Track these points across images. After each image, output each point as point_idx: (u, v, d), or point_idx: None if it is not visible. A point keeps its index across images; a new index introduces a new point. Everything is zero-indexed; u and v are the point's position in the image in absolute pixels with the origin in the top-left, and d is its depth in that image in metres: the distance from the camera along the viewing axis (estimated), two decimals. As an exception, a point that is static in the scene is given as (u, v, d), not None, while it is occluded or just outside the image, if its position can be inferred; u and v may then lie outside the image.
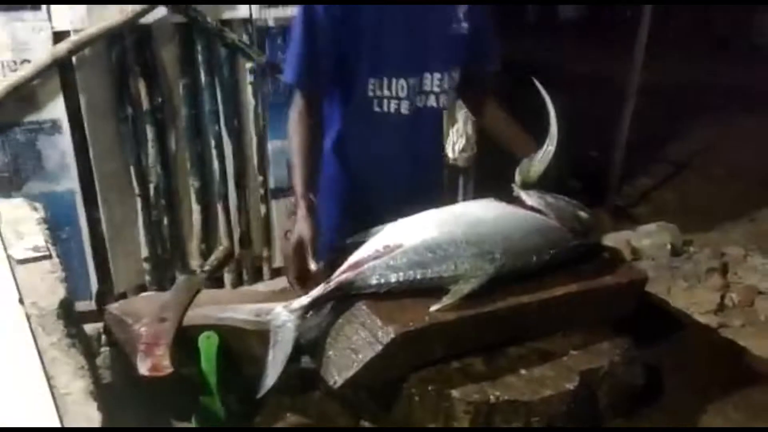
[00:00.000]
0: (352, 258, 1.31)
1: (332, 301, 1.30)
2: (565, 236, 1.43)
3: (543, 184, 1.52)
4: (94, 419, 0.93)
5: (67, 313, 1.20)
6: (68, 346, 1.09)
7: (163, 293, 1.54)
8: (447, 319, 1.24)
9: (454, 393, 1.20)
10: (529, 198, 1.49)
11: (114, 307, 1.39)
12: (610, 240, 3.65)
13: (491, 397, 1.19)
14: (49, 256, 1.35)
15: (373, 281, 1.27)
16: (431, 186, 1.78)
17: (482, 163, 3.09)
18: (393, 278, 1.28)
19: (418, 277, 1.28)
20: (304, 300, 1.24)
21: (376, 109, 1.58)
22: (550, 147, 1.50)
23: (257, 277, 2.91)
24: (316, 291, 1.26)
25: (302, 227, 1.36)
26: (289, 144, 1.55)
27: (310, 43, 1.49)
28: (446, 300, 1.25)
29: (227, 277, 2.80)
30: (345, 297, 1.28)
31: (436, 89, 1.60)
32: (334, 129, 1.64)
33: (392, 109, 1.59)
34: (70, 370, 1.02)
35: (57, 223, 2.45)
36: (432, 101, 1.61)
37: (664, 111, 5.91)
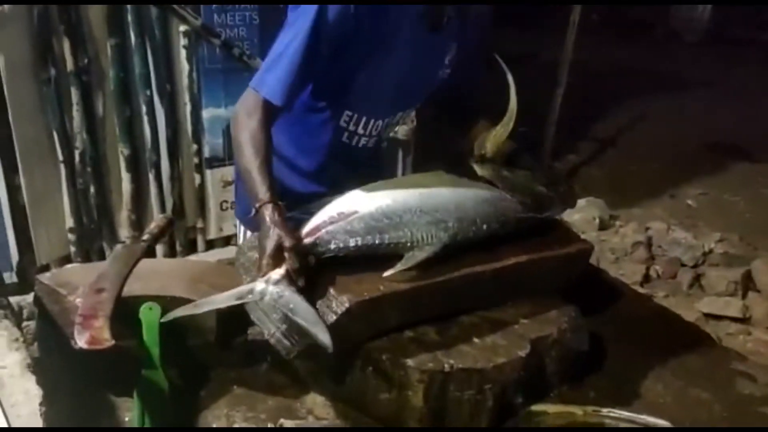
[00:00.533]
0: (309, 225, 1.27)
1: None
2: (515, 208, 1.44)
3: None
4: (34, 394, 0.86)
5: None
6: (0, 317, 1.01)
7: (99, 263, 1.45)
8: (401, 289, 1.23)
9: (409, 362, 1.18)
10: (481, 169, 1.49)
11: (46, 277, 1.29)
12: (541, 214, 3.77)
13: (445, 365, 1.18)
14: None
15: (332, 245, 1.25)
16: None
17: (421, 137, 3.09)
18: (351, 243, 1.25)
19: (376, 242, 1.26)
20: (280, 270, 1.18)
21: (345, 140, 1.59)
22: (508, 123, 1.50)
23: (191, 249, 2.82)
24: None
25: (280, 234, 1.21)
26: (242, 153, 1.36)
27: (305, 69, 1.39)
28: (400, 266, 1.24)
29: (159, 249, 2.69)
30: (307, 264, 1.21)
31: (400, 122, 1.65)
32: (291, 137, 1.60)
33: (360, 144, 1.61)
34: (3, 343, 0.95)
35: (-27, 191, 2.30)
36: (393, 133, 1.63)
37: (589, 91, 6.08)
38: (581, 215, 3.71)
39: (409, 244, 1.28)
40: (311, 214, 1.31)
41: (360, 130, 1.58)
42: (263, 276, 1.19)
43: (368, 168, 1.64)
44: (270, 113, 1.41)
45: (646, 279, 3.11)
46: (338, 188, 1.43)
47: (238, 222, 1.86)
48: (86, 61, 2.39)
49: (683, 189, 4.69)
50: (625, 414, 1.28)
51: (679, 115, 6.08)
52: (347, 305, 1.17)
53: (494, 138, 1.51)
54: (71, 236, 2.51)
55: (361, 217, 1.27)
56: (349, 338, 1.21)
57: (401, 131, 2.98)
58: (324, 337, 1.13)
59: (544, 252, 1.42)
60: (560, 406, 1.30)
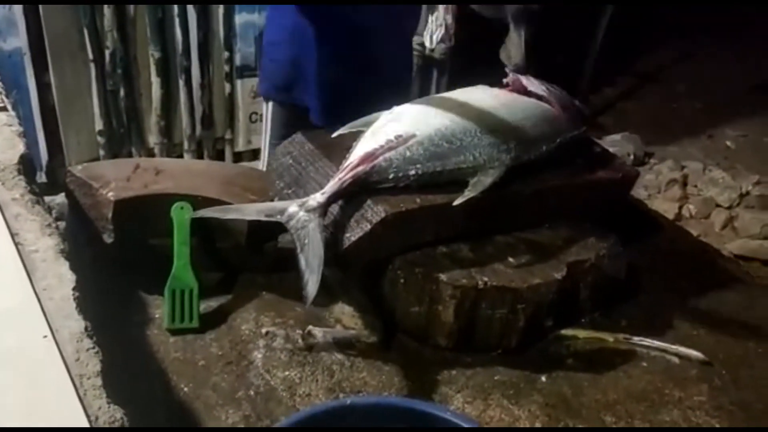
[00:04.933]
0: (361, 149, 1.19)
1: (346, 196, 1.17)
2: (568, 125, 1.38)
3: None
4: (67, 279, 0.85)
5: (27, 168, 1.09)
6: (32, 203, 0.99)
7: (131, 159, 1.43)
8: (437, 203, 1.19)
9: (442, 276, 1.16)
10: (530, 83, 1.42)
11: (78, 170, 1.27)
12: (575, 147, 3.68)
13: (479, 282, 1.16)
14: (4, 108, 1.22)
15: (391, 174, 1.17)
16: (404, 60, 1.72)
17: (457, 57, 2.98)
18: (411, 171, 1.18)
19: (438, 169, 1.20)
20: (320, 197, 1.12)
21: None
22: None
23: (219, 159, 2.79)
24: (331, 186, 1.14)
25: None
26: None
27: None
28: (468, 192, 1.18)
29: (187, 157, 2.67)
30: (361, 191, 1.17)
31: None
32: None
33: None
34: (36, 227, 0.93)
35: (4, 86, 2.26)
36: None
37: (636, 23, 5.83)
38: (615, 149, 3.58)
39: (471, 170, 1.22)
40: (357, 133, 1.25)
41: None
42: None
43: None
44: None
45: (678, 217, 3.04)
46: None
47: (264, 102, 1.77)
48: (118, -44, 2.31)
49: (723, 130, 4.53)
50: (656, 343, 1.26)
51: (729, 55, 5.83)
52: (383, 215, 1.14)
53: (513, 41, 1.43)
54: (100, 139, 2.49)
55: (421, 142, 1.20)
56: (382, 249, 1.19)
57: (437, 50, 2.89)
58: (311, 289, 1.06)
59: (587, 175, 1.37)
60: (591, 332, 1.28)
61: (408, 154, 1.20)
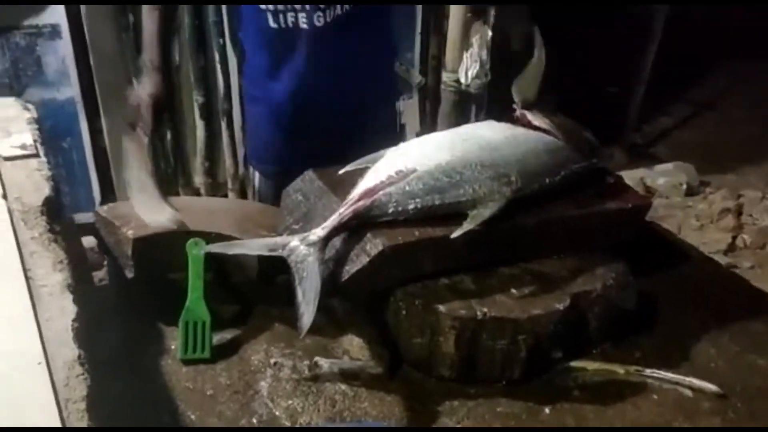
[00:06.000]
0: (363, 185, 1.24)
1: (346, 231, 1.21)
2: (574, 156, 1.39)
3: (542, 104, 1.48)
4: (69, 311, 0.92)
5: (51, 210, 1.18)
6: (49, 240, 1.08)
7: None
8: (436, 235, 1.21)
9: (441, 308, 1.17)
10: (535, 118, 1.44)
11: (104, 210, 1.36)
12: (625, 177, 3.60)
13: (478, 313, 1.16)
14: (37, 155, 1.33)
15: (390, 209, 1.21)
16: (378, 101, 1.75)
17: (494, 91, 3.01)
18: (411, 205, 1.21)
19: (437, 202, 1.22)
20: (320, 231, 1.17)
21: (273, 25, 1.53)
22: (539, 56, 1.45)
23: (260, 197, 2.89)
24: (332, 221, 1.18)
25: (152, 89, 1.46)
26: (143, 17, 1.55)
27: None
28: (466, 225, 1.19)
29: (231, 196, 2.78)
30: (361, 225, 1.21)
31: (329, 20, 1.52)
32: (247, 51, 1.65)
33: (299, 23, 1.52)
34: (48, 264, 1.01)
35: (58, 133, 2.44)
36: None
37: (689, 50, 5.71)
38: (667, 179, 3.54)
39: (471, 202, 1.24)
40: (364, 169, 1.29)
41: (280, 6, 1.50)
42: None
43: (332, 57, 1.58)
44: None
45: (732, 248, 2.93)
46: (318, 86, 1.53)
47: (251, 168, 1.89)
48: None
49: (784, 156, 4.37)
50: (669, 375, 1.23)
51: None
52: (381, 248, 1.17)
53: (530, 74, 1.46)
54: (149, 180, 2.63)
55: (420, 176, 1.23)
56: (382, 281, 1.21)
57: (473, 85, 2.92)
58: (306, 321, 1.09)
59: (595, 206, 1.36)
60: (600, 363, 1.26)
61: (407, 188, 1.23)
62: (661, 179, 3.51)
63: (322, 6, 1.51)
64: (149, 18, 1.54)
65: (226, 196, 2.76)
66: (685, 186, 3.49)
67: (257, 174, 1.82)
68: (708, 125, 4.90)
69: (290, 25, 1.53)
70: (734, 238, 3.01)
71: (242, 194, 2.83)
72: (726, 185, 3.60)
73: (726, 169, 4.00)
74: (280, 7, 1.51)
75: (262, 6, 1.51)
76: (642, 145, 4.36)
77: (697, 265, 1.62)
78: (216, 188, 2.76)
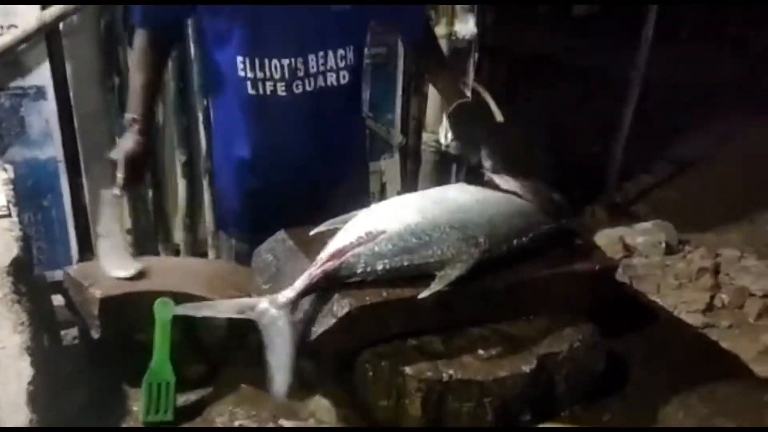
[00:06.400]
0: (332, 245, 1.25)
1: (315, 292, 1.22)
2: (542, 218, 1.41)
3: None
4: (24, 374, 0.91)
5: (18, 271, 1.18)
6: (12, 302, 1.07)
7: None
8: (405, 296, 1.22)
9: (407, 370, 1.17)
10: (504, 181, 1.47)
11: (72, 270, 1.37)
12: (604, 236, 3.65)
13: (444, 375, 1.16)
14: (9, 215, 1.33)
15: (359, 269, 1.22)
16: (347, 166, 1.77)
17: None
18: (379, 265, 1.22)
19: (405, 263, 1.23)
20: (290, 293, 1.18)
21: (251, 91, 1.55)
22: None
23: (242, 255, 2.89)
24: (301, 282, 1.19)
25: (133, 147, 1.53)
26: (130, 78, 1.66)
27: None
28: (434, 286, 1.21)
29: (210, 253, 2.78)
30: (330, 286, 1.22)
31: (321, 69, 1.55)
32: (219, 115, 1.70)
33: (277, 91, 1.55)
34: (9, 325, 1.01)
35: (39, 191, 2.45)
36: (320, 82, 1.57)
37: (671, 109, 5.85)
38: (646, 238, 3.56)
39: (439, 264, 1.25)
40: (335, 230, 1.31)
41: (259, 74, 1.52)
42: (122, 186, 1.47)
43: (305, 127, 1.62)
44: (143, 39, 1.59)
45: (710, 307, 2.94)
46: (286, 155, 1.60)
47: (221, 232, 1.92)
48: (149, 71, 2.51)
49: (765, 214, 4.42)
50: (638, 439, 1.22)
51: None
52: (348, 309, 1.17)
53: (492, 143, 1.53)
54: (129, 237, 2.63)
55: (389, 238, 1.25)
56: (350, 341, 1.21)
57: (452, 147, 2.98)
58: (280, 386, 1.10)
59: (563, 267, 1.38)
60: (569, 425, 1.25)
61: (376, 249, 1.24)
62: (640, 238, 3.54)
63: (302, 76, 1.55)
64: (136, 76, 1.60)
65: (206, 253, 2.76)
66: (664, 245, 3.51)
67: (231, 238, 1.81)
68: (689, 183, 4.96)
69: (268, 92, 1.56)
70: (712, 297, 3.02)
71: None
72: (705, 244, 3.63)
73: (706, 227, 4.04)
74: (260, 74, 1.53)
75: (241, 74, 1.54)
76: (622, 204, 4.41)
77: (669, 327, 1.63)
78: (196, 245, 2.76)
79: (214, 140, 1.79)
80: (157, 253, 2.69)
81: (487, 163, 1.50)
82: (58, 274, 1.47)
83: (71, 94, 2.39)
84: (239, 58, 1.51)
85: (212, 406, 1.27)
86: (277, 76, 1.53)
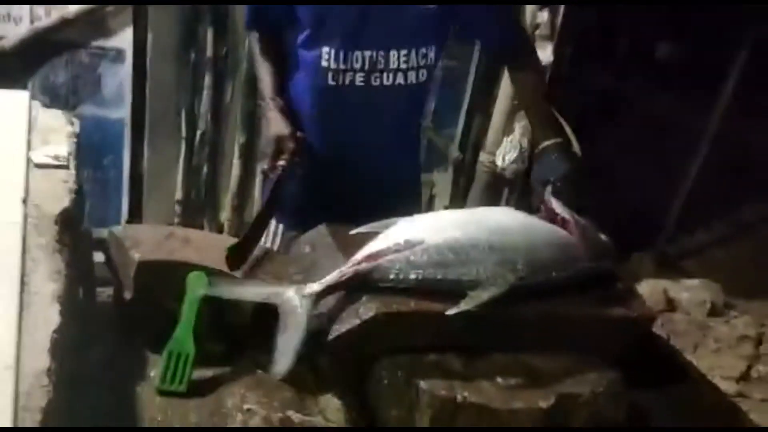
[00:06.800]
0: (369, 248, 1.25)
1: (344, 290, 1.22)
2: (585, 255, 1.38)
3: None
4: (52, 322, 0.94)
5: (65, 221, 1.21)
6: (54, 250, 1.10)
7: (173, 227, 1.54)
8: (433, 310, 1.21)
9: (423, 384, 1.16)
10: (559, 207, 1.44)
11: (118, 230, 1.40)
12: (649, 286, 3.55)
13: (458, 396, 1.15)
14: (67, 167, 1.38)
15: (392, 275, 1.21)
16: (403, 168, 1.82)
17: (529, 179, 3.02)
18: (413, 275, 1.21)
19: (439, 277, 1.22)
20: (317, 286, 1.19)
21: (331, 82, 1.60)
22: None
23: (284, 244, 2.92)
24: (331, 278, 1.20)
25: (279, 124, 1.54)
26: (257, 72, 1.73)
27: None
28: (464, 304, 1.19)
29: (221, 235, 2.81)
30: (359, 288, 1.22)
31: (403, 66, 1.60)
32: (293, 102, 1.69)
33: (356, 82, 1.60)
34: (46, 272, 1.04)
35: (102, 150, 2.53)
36: (399, 79, 1.61)
37: (742, 168, 5.68)
38: (691, 295, 3.45)
39: (473, 283, 1.24)
40: (375, 234, 1.30)
41: (342, 65, 1.58)
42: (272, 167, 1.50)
43: (374, 120, 1.66)
44: (256, 38, 1.72)
45: (745, 377, 2.83)
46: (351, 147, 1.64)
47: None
48: (225, 50, 2.57)
49: (819, 291, 4.24)
50: (646, 499, 1.18)
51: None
52: (374, 313, 1.17)
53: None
54: (178, 208, 2.69)
55: (426, 249, 1.24)
56: (370, 346, 1.21)
57: (509, 169, 2.95)
58: (277, 370, 1.13)
59: (599, 309, 1.34)
60: (577, 472, 1.22)
61: (412, 258, 1.24)
62: (685, 293, 3.43)
63: (382, 69, 1.60)
64: (261, 66, 1.71)
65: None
66: (709, 305, 3.40)
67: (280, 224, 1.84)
68: (745, 247, 4.79)
69: (347, 82, 1.61)
70: (749, 367, 2.90)
71: (265, 237, 2.87)
72: (752, 312, 3.50)
73: (754, 295, 3.89)
74: (343, 66, 1.59)
75: (324, 64, 1.59)
76: (672, 257, 4.29)
77: (700, 389, 1.58)
78: (241, 227, 2.80)
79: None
80: (202, 228, 2.74)
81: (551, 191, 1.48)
82: (104, 234, 1.51)
83: (148, 62, 2.45)
84: (325, 49, 1.58)
85: (225, 386, 1.28)
86: (357, 66, 1.59)
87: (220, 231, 2.79)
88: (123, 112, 2.50)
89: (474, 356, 1.25)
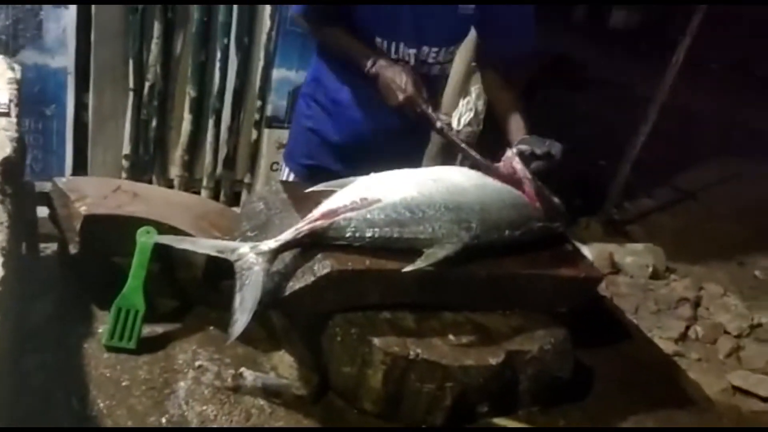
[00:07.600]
0: (325, 205, 1.24)
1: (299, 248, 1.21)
2: (538, 216, 1.40)
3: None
4: (-5, 275, 0.90)
5: (6, 171, 1.16)
6: (-4, 201, 1.06)
7: (118, 180, 1.50)
8: (387, 267, 1.21)
9: (376, 341, 1.17)
10: (520, 167, 1.45)
11: (61, 182, 1.35)
12: (595, 250, 3.65)
13: (411, 352, 1.16)
14: (8, 114, 1.31)
15: (348, 233, 1.21)
16: (414, 143, 1.92)
17: (483, 143, 3.04)
18: (368, 233, 1.21)
19: (395, 235, 1.22)
20: (273, 243, 1.17)
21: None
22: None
23: (235, 201, 2.88)
24: (286, 235, 1.18)
25: (401, 69, 1.58)
26: (335, 48, 1.75)
27: None
28: (419, 262, 1.20)
29: (204, 194, 2.76)
30: (314, 245, 1.20)
31: (431, 61, 1.71)
32: (338, 66, 1.76)
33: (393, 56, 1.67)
34: (-10, 225, 0.99)
35: (44, 99, 2.42)
36: (423, 69, 1.69)
37: (685, 138, 5.82)
38: (634, 259, 3.57)
39: (428, 241, 1.24)
40: (332, 192, 1.29)
41: (392, 56, 1.67)
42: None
43: None
44: (308, 22, 1.79)
45: (683, 337, 2.96)
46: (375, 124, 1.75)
47: (284, 164, 1.97)
48: (175, -2, 2.47)
49: (755, 258, 4.42)
50: (588, 451, 1.23)
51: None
52: (329, 270, 1.16)
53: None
54: (125, 162, 2.61)
55: (383, 207, 1.24)
56: (323, 303, 1.21)
57: (464, 132, 2.95)
58: (237, 328, 1.10)
59: (547, 269, 1.37)
60: (523, 424, 1.25)
61: (368, 216, 1.23)
62: (629, 257, 3.55)
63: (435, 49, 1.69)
64: (339, 40, 1.71)
65: (198, 192, 2.75)
66: (651, 269, 3.52)
67: (289, 172, 1.93)
68: (687, 214, 4.96)
69: (394, 56, 1.68)
70: (687, 328, 3.04)
71: (216, 194, 2.82)
72: (691, 275, 3.64)
73: (695, 259, 4.05)
74: (393, 56, 1.67)
75: (378, 40, 1.67)
76: (618, 222, 4.40)
77: (641, 348, 1.63)
78: (191, 184, 2.74)
79: (318, 80, 1.85)
80: (149, 183, 2.67)
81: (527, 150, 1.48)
82: (47, 186, 1.46)
83: (92, 7, 2.34)
84: (377, 39, 1.67)
85: (176, 342, 1.27)
86: (395, 58, 1.66)
87: (170, 187, 2.72)
88: (65, 61, 2.38)
89: (426, 315, 1.26)
